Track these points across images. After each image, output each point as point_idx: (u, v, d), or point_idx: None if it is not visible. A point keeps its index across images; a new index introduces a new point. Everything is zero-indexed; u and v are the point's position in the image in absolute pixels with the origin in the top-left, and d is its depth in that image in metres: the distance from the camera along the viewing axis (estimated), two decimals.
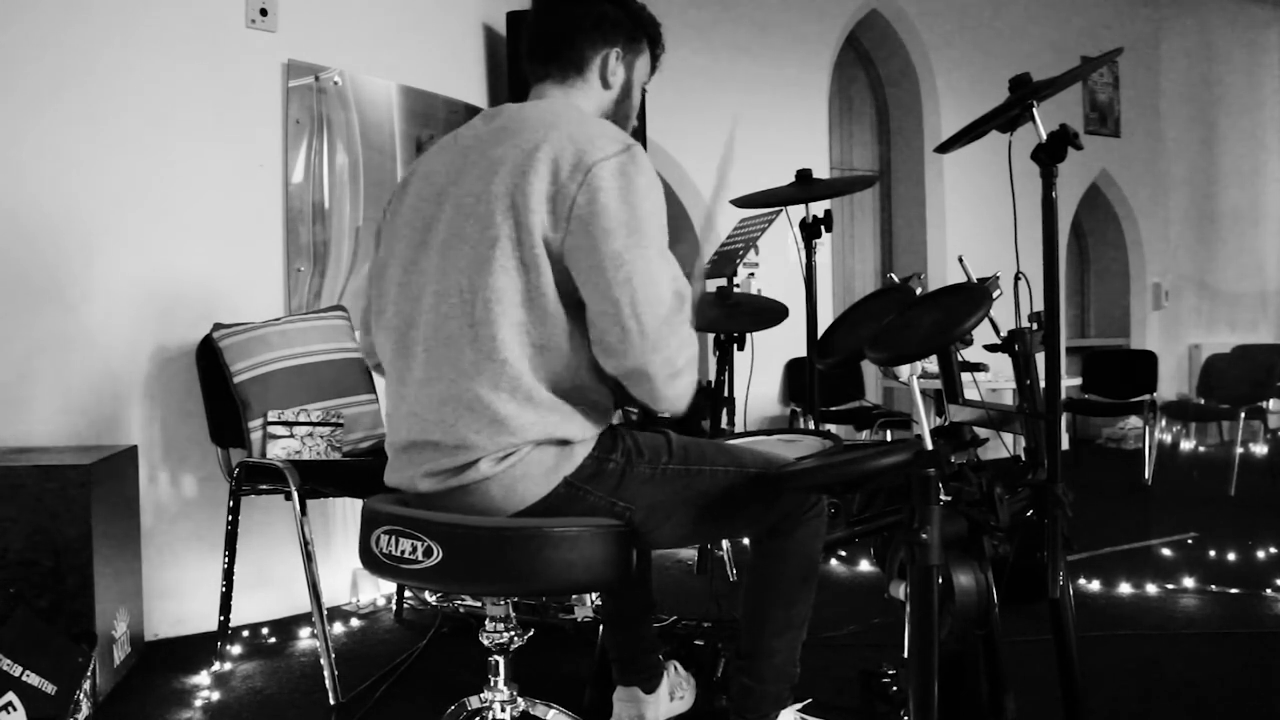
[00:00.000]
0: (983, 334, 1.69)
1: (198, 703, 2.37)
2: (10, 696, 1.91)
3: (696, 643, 2.19)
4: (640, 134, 3.86)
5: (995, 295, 1.66)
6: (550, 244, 1.39)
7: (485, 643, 1.58)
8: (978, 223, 6.41)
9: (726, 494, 1.58)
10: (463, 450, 1.42)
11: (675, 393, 1.44)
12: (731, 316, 2.96)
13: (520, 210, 1.38)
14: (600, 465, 1.49)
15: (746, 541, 1.77)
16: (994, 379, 5.03)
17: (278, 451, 2.59)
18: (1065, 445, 6.90)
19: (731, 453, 1.62)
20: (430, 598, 3.03)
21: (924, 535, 1.42)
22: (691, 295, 1.47)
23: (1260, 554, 3.69)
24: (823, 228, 2.89)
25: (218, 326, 2.72)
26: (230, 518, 2.59)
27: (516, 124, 1.49)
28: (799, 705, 1.88)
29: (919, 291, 1.96)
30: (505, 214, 1.39)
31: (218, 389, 2.70)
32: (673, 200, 5.65)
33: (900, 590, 1.56)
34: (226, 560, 2.61)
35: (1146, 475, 5.53)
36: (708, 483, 1.57)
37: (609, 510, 1.49)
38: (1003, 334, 1.83)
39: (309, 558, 2.42)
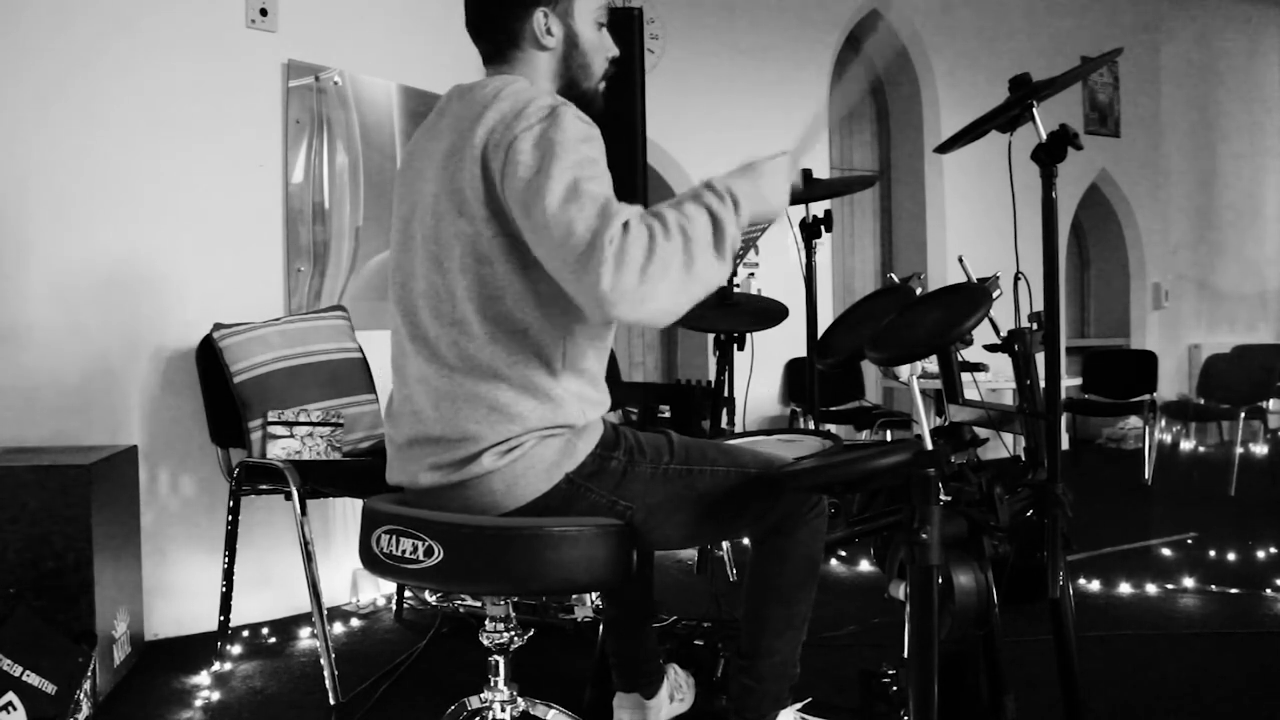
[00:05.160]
0: (983, 334, 1.69)
1: (198, 703, 2.37)
2: (10, 696, 1.91)
3: (696, 643, 2.19)
4: (640, 133, 3.85)
5: (995, 295, 1.67)
6: (504, 230, 1.39)
7: (485, 643, 1.58)
8: (978, 223, 6.41)
9: (727, 495, 1.58)
10: (467, 442, 1.44)
11: (639, 315, 1.27)
12: (731, 316, 2.96)
13: (466, 204, 1.40)
14: (602, 463, 1.49)
15: (747, 541, 1.77)
16: (994, 379, 5.03)
17: (278, 451, 2.59)
18: (1065, 445, 6.90)
19: (732, 454, 1.62)
20: (430, 598, 3.03)
21: (924, 535, 1.41)
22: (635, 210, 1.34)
23: (1260, 554, 3.69)
24: (823, 228, 2.89)
25: (218, 326, 2.72)
26: (230, 518, 2.59)
27: (461, 110, 1.49)
28: (799, 705, 1.88)
29: (919, 291, 1.96)
30: (455, 211, 1.42)
31: (218, 389, 2.70)
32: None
33: (900, 590, 1.56)
34: (226, 560, 2.61)
35: (1146, 475, 5.53)
36: (709, 483, 1.57)
37: (610, 509, 1.49)
38: (1003, 334, 1.83)
39: (309, 558, 2.42)
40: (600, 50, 1.62)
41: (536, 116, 1.38)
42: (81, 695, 2.10)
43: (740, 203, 1.38)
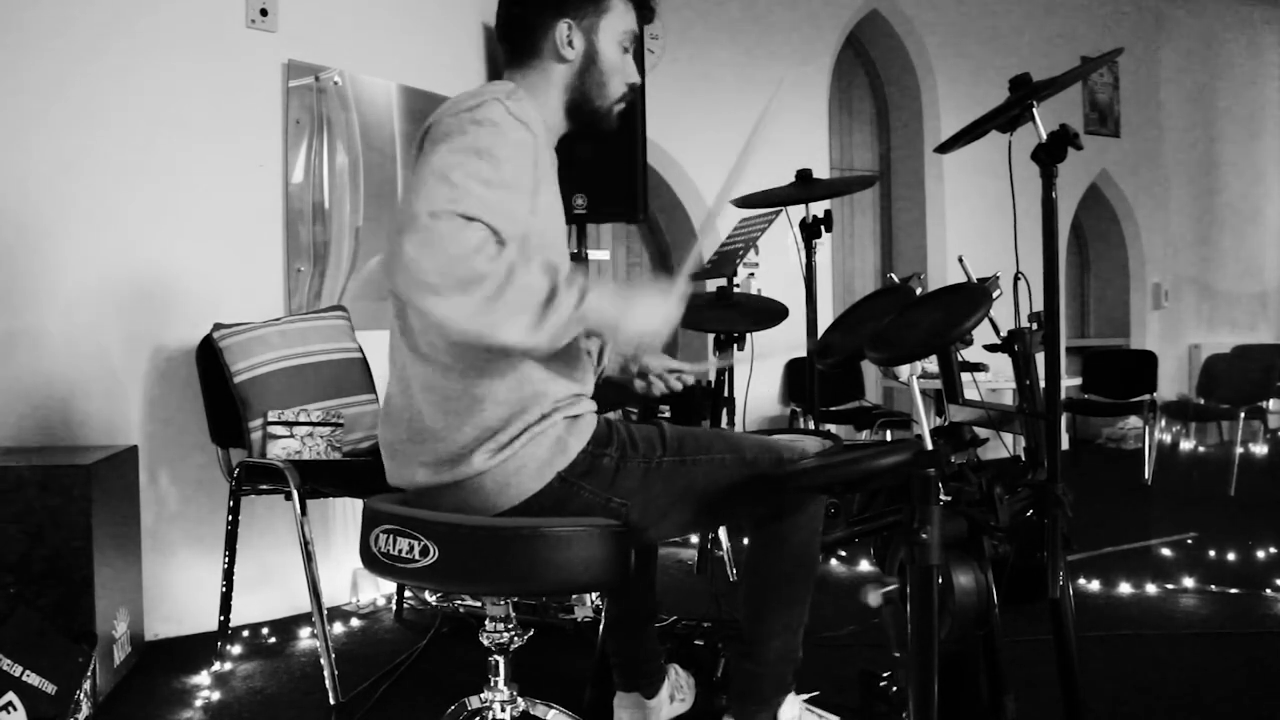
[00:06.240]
0: (983, 334, 1.69)
1: (198, 703, 2.37)
2: (10, 696, 1.91)
3: (696, 643, 2.19)
4: (640, 133, 3.86)
5: (995, 295, 1.66)
6: None
7: (485, 643, 1.58)
8: (978, 223, 6.41)
9: (724, 487, 1.58)
10: (451, 434, 1.44)
11: (420, 300, 1.25)
12: (731, 316, 2.96)
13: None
14: (594, 460, 1.49)
15: (747, 541, 1.77)
16: (994, 379, 5.03)
17: (278, 451, 2.58)
18: (1065, 445, 6.90)
19: (729, 439, 1.63)
20: (430, 598, 3.03)
21: (924, 535, 1.41)
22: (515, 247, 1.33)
23: (1260, 554, 3.69)
24: (823, 228, 2.89)
25: (218, 326, 2.72)
26: (230, 518, 2.59)
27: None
28: (805, 696, 1.88)
29: (919, 291, 1.96)
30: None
31: (218, 389, 2.70)
32: (672, 201, 5.65)
33: (874, 597, 1.57)
34: (226, 560, 2.61)
35: (1146, 475, 5.53)
36: (704, 475, 1.57)
37: (604, 507, 1.49)
38: (1003, 334, 1.83)
39: (309, 558, 2.42)
40: (620, 73, 1.62)
41: (464, 105, 1.40)
42: (81, 695, 2.10)
43: (589, 302, 1.34)
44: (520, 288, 1.28)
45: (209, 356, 2.72)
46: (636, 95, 1.67)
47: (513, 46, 1.61)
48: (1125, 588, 3.24)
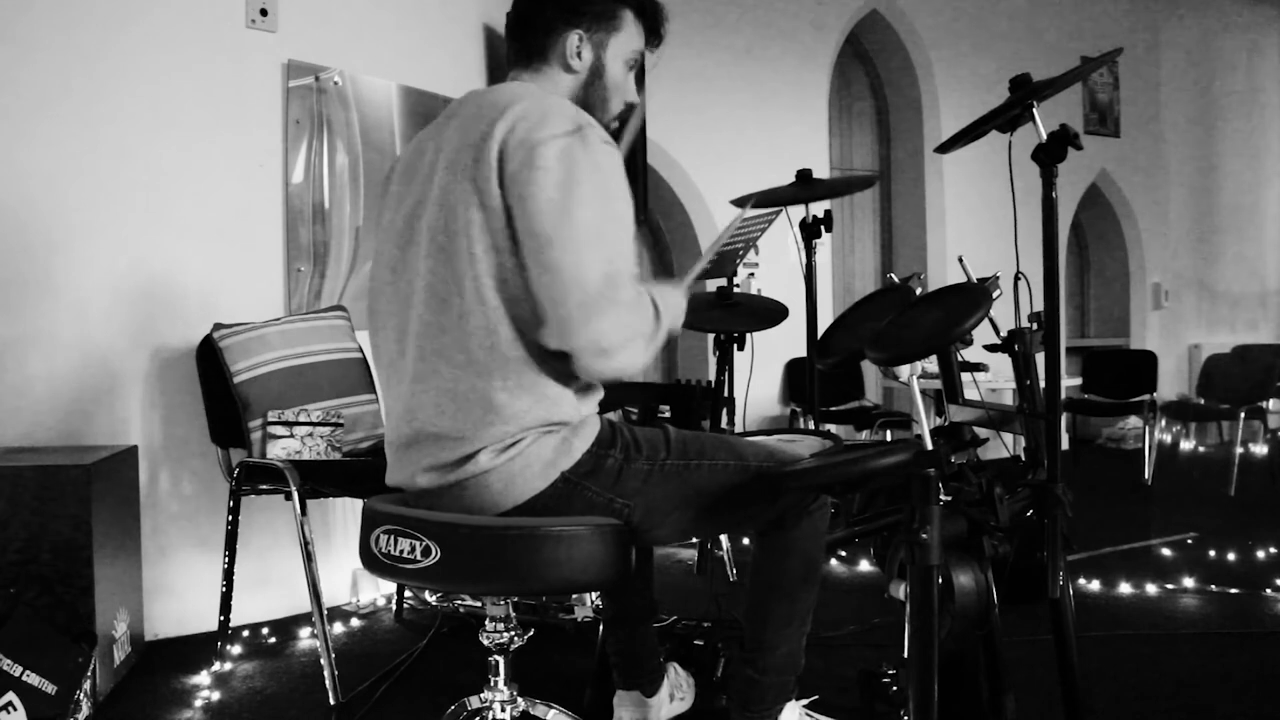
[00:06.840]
0: (983, 334, 1.69)
1: (198, 703, 2.37)
2: (10, 696, 1.91)
3: (696, 643, 2.19)
4: (641, 133, 3.86)
5: (995, 295, 1.66)
6: (509, 224, 1.40)
7: (485, 643, 1.58)
8: (978, 223, 6.41)
9: (726, 490, 1.58)
10: (462, 442, 1.43)
11: (605, 368, 1.40)
12: (731, 316, 2.96)
13: (483, 195, 1.40)
14: (598, 461, 1.49)
15: (747, 541, 1.77)
16: (994, 379, 5.03)
17: (278, 451, 2.59)
18: (1065, 445, 6.89)
19: (733, 445, 1.62)
20: (430, 598, 3.03)
21: (924, 535, 1.41)
22: (637, 272, 1.44)
23: (1260, 554, 3.69)
24: (822, 228, 2.89)
25: (218, 326, 2.72)
26: (230, 518, 2.59)
27: (476, 110, 1.49)
28: (805, 701, 1.88)
29: (919, 291, 1.96)
30: (470, 201, 1.41)
31: (218, 389, 2.70)
32: (672, 201, 5.65)
33: (900, 590, 1.56)
34: (226, 560, 2.61)
35: (1146, 475, 5.53)
36: (707, 478, 1.56)
37: (607, 507, 1.48)
38: (1003, 334, 1.83)
39: (309, 558, 2.42)
40: (621, 91, 1.65)
41: (562, 128, 1.40)
42: (81, 695, 2.10)
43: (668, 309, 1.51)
44: (651, 318, 1.45)
45: (209, 356, 2.72)
46: (632, 112, 1.70)
47: (521, 47, 1.61)
48: (1125, 588, 3.24)
